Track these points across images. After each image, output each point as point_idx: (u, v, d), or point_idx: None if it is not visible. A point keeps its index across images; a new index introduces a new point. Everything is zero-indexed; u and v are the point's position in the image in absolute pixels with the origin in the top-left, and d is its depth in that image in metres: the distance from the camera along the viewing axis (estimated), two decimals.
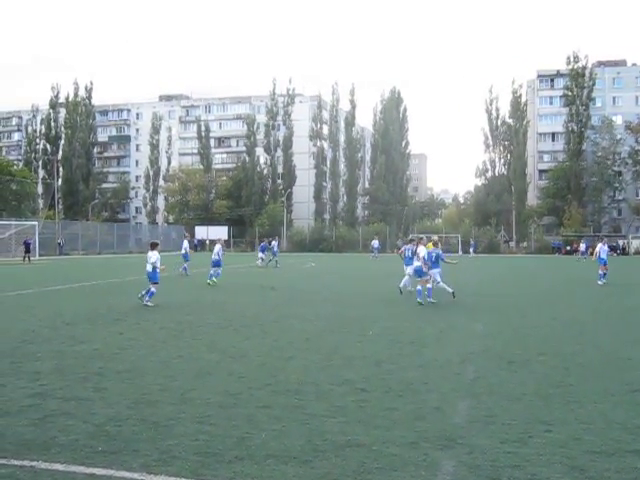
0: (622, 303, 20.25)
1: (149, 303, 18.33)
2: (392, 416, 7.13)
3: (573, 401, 7.83)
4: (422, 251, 19.87)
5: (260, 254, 43.36)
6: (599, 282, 27.35)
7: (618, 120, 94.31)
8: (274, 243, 44.72)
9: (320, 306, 18.65)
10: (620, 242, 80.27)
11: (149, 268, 18.96)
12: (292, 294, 22.47)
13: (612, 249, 74.96)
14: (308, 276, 32.98)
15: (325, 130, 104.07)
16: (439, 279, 20.02)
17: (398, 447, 6.11)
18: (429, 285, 19.46)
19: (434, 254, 19.99)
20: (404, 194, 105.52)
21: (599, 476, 5.43)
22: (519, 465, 5.66)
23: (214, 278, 25.84)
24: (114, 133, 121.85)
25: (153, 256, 19.00)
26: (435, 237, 24.01)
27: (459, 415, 7.24)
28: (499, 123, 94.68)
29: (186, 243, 34.06)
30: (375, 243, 64.40)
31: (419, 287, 19.30)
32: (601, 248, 28.54)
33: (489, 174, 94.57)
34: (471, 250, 70.49)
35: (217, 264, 26.28)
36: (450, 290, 19.73)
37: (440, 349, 11.49)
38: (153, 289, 18.68)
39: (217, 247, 26.71)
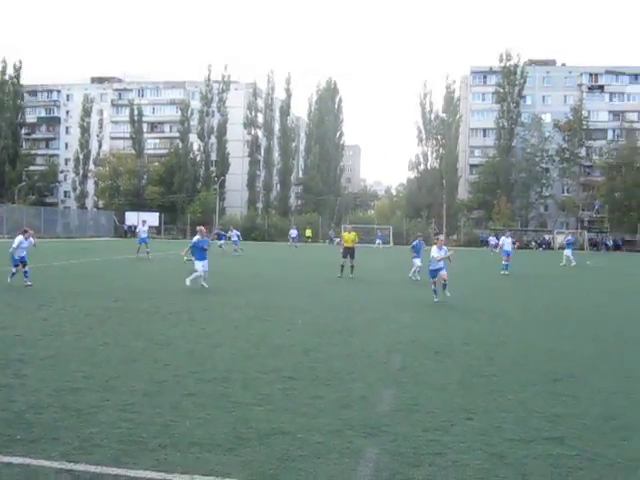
0: (546, 297, 20.80)
1: (28, 282, 18.95)
2: (318, 404, 7.17)
3: (495, 390, 8.02)
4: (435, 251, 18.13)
5: (220, 242, 42.82)
6: (502, 272, 28.57)
7: (547, 118, 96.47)
8: (234, 232, 44.39)
9: (250, 294, 18.57)
10: (546, 237, 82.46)
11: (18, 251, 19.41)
12: (222, 282, 22.32)
13: (539, 244, 77.20)
14: (239, 264, 32.78)
15: (260, 118, 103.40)
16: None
17: (323, 435, 6.14)
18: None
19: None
20: (337, 185, 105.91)
21: (517, 462, 5.59)
22: (441, 452, 5.77)
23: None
24: (43, 114, 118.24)
25: (16, 240, 19.72)
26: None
27: (384, 404, 7.33)
28: (432, 117, 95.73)
29: (145, 227, 35.71)
30: (293, 232, 64.69)
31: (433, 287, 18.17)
32: (504, 241, 30.64)
33: (421, 167, 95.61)
34: (378, 242, 70.71)
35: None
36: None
37: (368, 339, 11.60)
38: (13, 270, 19.36)
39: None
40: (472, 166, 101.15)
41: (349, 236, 25.83)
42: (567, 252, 38.08)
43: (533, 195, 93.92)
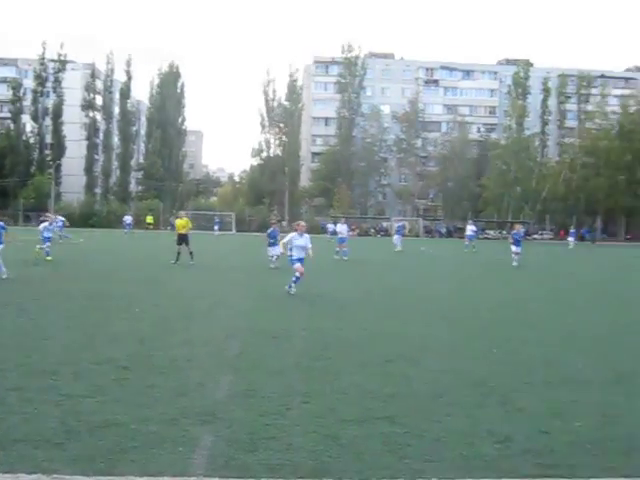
0: (379, 281, 21.51)
1: None
2: (153, 394, 7.00)
3: (331, 373, 8.17)
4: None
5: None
6: (335, 257, 30.52)
7: (386, 109, 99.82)
8: (59, 218, 41.84)
9: (84, 283, 17.87)
10: (384, 224, 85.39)
11: None
12: (56, 270, 21.36)
13: (378, 231, 79.75)
14: (76, 252, 31.50)
15: (99, 100, 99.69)
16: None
17: (157, 424, 6.00)
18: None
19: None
20: (179, 170, 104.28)
21: (350, 442, 5.72)
22: (276, 436, 5.80)
23: None
24: None
25: None
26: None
27: (221, 390, 7.27)
28: (275, 105, 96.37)
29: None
30: (127, 219, 63.10)
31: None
32: (340, 227, 32.21)
33: (264, 154, 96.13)
34: (215, 228, 69.37)
35: None
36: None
37: (207, 325, 11.50)
38: None
39: None
40: (314, 154, 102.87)
41: (181, 222, 25.64)
42: (395, 238, 39.88)
43: (372, 184, 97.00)
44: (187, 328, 11.17)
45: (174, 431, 5.85)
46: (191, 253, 24.83)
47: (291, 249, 16.74)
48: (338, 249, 30.86)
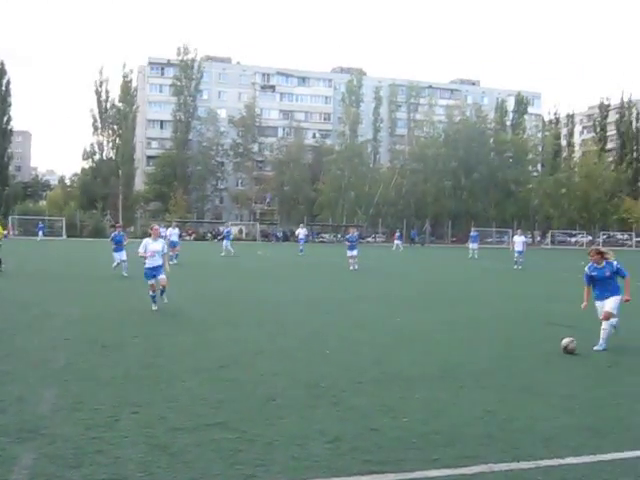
0: (217, 286, 21.34)
1: None
2: None
3: (162, 381, 8.00)
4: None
5: None
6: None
7: (222, 113, 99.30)
8: None
9: None
10: (221, 228, 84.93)
11: None
12: None
13: (214, 235, 79.17)
14: None
15: None
16: None
17: None
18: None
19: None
20: (5, 173, 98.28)
21: (180, 451, 5.62)
22: (103, 450, 5.60)
23: None
24: None
25: None
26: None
27: (44, 404, 6.90)
28: (109, 106, 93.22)
29: None
30: None
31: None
32: (172, 231, 32.26)
33: (97, 157, 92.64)
34: (40, 233, 65.42)
35: None
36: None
37: (32, 336, 10.88)
38: None
39: None
40: (149, 157, 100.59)
41: None
42: (225, 243, 39.95)
43: (209, 188, 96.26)
44: (9, 340, 10.53)
45: None
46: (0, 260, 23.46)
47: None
48: (171, 253, 30.39)
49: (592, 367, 9.67)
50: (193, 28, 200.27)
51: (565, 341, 10.39)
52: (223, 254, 38.82)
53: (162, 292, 14.79)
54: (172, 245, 30.33)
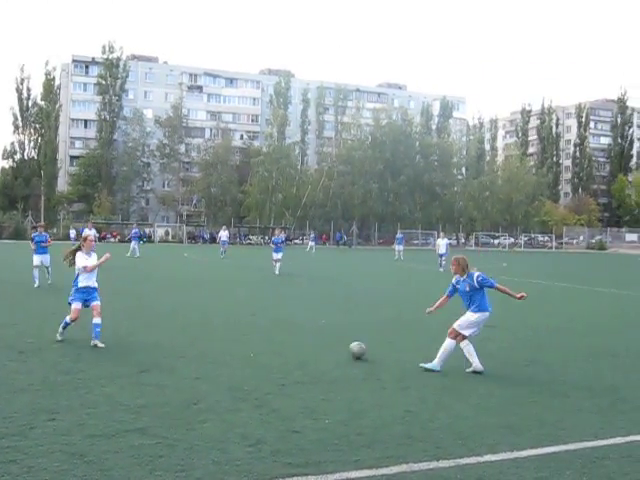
0: (138, 288, 21.02)
1: None
2: None
3: (81, 387, 7.82)
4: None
5: None
6: None
7: (149, 114, 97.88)
8: None
9: None
10: (147, 230, 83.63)
11: None
12: None
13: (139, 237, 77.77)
14: None
15: None
16: None
17: None
18: None
19: None
20: None
21: (98, 459, 5.51)
22: (16, 459, 5.44)
23: None
24: None
25: None
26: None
27: None
28: (30, 104, 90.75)
29: None
30: None
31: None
32: (88, 232, 31.13)
33: (18, 157, 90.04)
34: None
35: None
36: None
37: None
38: None
39: None
40: (73, 157, 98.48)
41: None
42: (133, 244, 39.77)
43: (135, 189, 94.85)
44: None
45: None
46: None
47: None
48: None
49: (510, 366, 9.93)
50: (119, 26, 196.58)
51: (355, 349, 9.93)
52: (128, 254, 38.41)
53: (96, 329, 10.67)
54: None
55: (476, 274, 9.34)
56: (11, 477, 5.07)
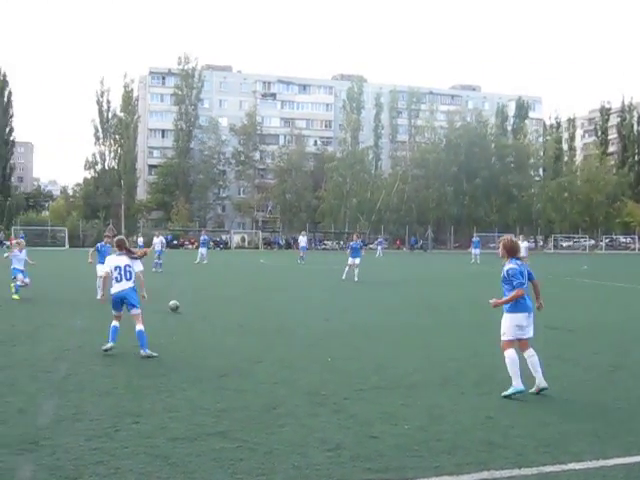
0: (217, 294, 21.34)
1: None
2: None
3: (163, 391, 7.99)
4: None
5: None
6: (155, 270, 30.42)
7: (224, 122, 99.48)
8: None
9: None
10: (223, 237, 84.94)
11: None
12: None
13: (217, 244, 79.11)
14: None
15: None
16: None
17: None
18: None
19: None
20: (7, 184, 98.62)
21: (181, 461, 5.61)
22: (103, 460, 5.58)
23: None
24: None
25: None
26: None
27: (45, 415, 6.89)
28: (110, 116, 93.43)
29: None
30: None
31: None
32: (156, 241, 32.90)
33: (99, 167, 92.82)
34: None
35: None
36: None
37: (33, 347, 10.87)
38: None
39: None
40: (151, 167, 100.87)
41: None
42: (201, 250, 40.07)
43: (211, 196, 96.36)
44: (11, 351, 10.54)
45: None
46: None
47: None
48: (157, 261, 31.24)
49: (594, 371, 9.65)
50: (194, 37, 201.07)
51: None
52: (197, 261, 38.97)
53: (141, 339, 10.30)
54: (157, 254, 31.15)
55: (509, 265, 8.23)
56: (99, 478, 5.21)
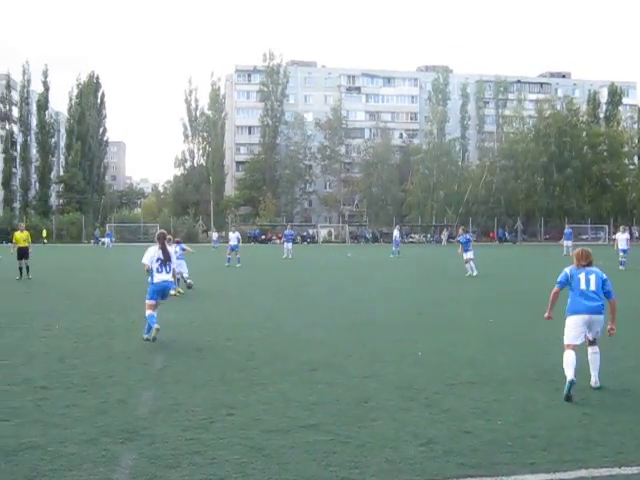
0: (305, 288, 21.51)
1: None
2: (72, 413, 6.81)
3: (256, 383, 8.12)
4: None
5: None
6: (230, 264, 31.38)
7: (309, 117, 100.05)
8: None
9: (2, 301, 17.32)
10: (310, 231, 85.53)
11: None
12: None
13: (304, 238, 79.76)
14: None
15: (15, 112, 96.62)
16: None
17: (76, 445, 5.84)
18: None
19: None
20: (101, 182, 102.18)
21: (275, 453, 5.69)
22: (200, 451, 5.72)
23: None
24: None
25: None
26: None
27: (143, 406, 7.13)
28: (198, 114, 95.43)
29: None
30: None
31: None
32: (232, 236, 33.15)
33: (188, 164, 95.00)
34: (107, 240, 67.21)
35: None
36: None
37: (130, 340, 11.23)
38: None
39: None
40: (238, 163, 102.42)
41: (21, 235, 24.41)
42: (287, 245, 40.12)
43: (297, 191, 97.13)
44: (109, 343, 10.91)
45: (94, 451, 5.70)
46: (27, 268, 23.94)
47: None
48: (230, 256, 31.75)
49: None
50: (278, 34, 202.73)
51: None
52: (284, 256, 39.19)
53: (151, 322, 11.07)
54: (232, 249, 31.91)
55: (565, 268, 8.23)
56: (196, 467, 5.35)
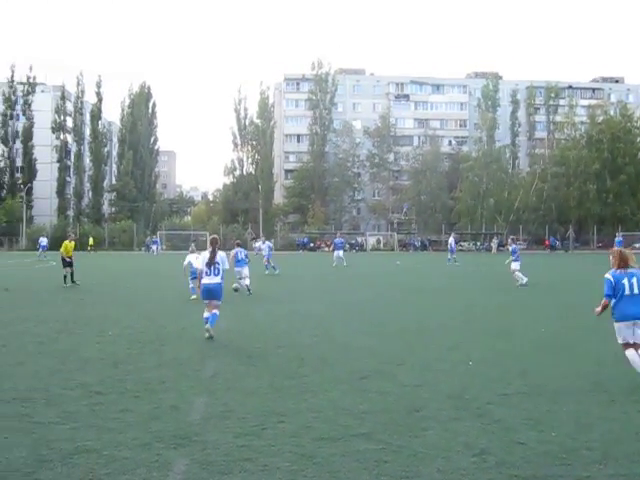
0: (355, 296, 21.45)
1: None
2: (126, 418, 6.91)
3: (306, 391, 8.13)
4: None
5: None
6: (268, 272, 31.48)
7: (357, 125, 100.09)
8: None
9: (58, 307, 17.68)
10: (359, 239, 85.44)
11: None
12: (27, 294, 21.08)
13: (353, 246, 79.65)
14: (46, 275, 31.02)
15: (69, 123, 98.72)
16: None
17: (130, 450, 5.93)
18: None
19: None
20: (152, 191, 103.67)
21: (325, 461, 5.69)
22: (251, 458, 5.75)
23: None
24: None
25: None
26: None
27: (195, 412, 7.20)
28: (247, 123, 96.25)
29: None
30: (43, 240, 56.05)
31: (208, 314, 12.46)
32: (263, 245, 34.15)
33: (237, 172, 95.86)
34: (154, 247, 70.27)
35: None
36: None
37: (181, 347, 11.36)
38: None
39: None
40: (287, 171, 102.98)
41: (70, 245, 25.41)
42: (338, 253, 39.80)
43: (346, 199, 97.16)
44: (161, 350, 11.06)
45: (147, 456, 5.78)
46: (72, 274, 25.02)
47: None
48: (267, 264, 31.89)
49: None
50: (326, 42, 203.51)
51: None
52: (334, 264, 39.02)
53: (213, 319, 12.30)
54: (267, 257, 32.45)
55: (606, 274, 8.75)
56: (247, 474, 5.39)
